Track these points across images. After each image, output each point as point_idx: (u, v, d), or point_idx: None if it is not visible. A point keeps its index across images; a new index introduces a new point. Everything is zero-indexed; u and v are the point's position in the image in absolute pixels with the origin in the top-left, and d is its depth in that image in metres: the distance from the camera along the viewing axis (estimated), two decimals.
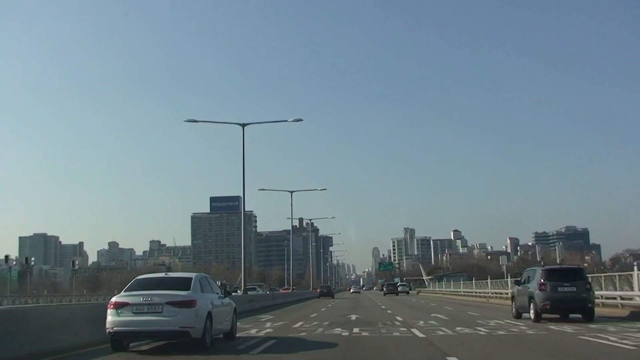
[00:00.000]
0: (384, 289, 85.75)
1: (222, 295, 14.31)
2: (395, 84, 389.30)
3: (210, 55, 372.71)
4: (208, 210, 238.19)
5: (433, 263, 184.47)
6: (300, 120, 43.43)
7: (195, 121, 41.81)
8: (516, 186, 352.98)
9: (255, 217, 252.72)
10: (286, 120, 44.15)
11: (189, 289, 12.33)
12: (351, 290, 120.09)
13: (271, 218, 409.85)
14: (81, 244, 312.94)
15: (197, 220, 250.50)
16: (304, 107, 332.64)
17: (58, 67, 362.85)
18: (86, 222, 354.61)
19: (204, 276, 13.82)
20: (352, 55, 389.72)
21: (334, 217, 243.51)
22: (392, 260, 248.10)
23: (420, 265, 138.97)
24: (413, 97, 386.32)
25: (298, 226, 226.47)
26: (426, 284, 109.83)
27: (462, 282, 63.67)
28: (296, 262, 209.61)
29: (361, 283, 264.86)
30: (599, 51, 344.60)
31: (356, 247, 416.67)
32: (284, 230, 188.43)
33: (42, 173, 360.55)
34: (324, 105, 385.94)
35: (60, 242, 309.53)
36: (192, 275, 13.34)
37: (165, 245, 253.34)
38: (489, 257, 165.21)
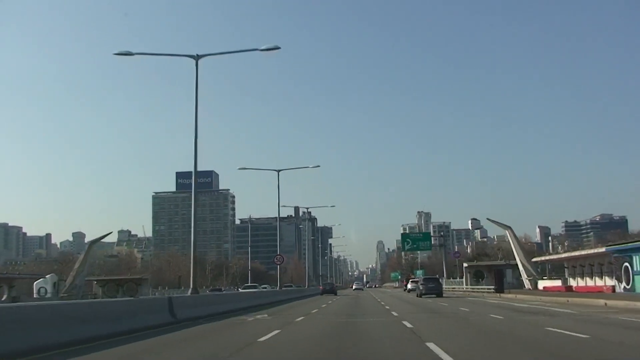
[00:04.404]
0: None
1: None
2: (408, 52, 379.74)
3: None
4: (174, 189, 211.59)
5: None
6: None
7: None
8: (540, 172, 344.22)
9: (233, 197, 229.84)
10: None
11: None
12: (353, 287, 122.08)
13: (266, 206, 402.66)
14: (48, 235, 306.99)
15: (159, 201, 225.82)
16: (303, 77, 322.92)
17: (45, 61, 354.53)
18: (53, 213, 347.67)
19: None
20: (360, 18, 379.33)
21: (333, 206, 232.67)
22: (400, 252, 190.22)
23: (508, 233, 68.46)
24: (430, 68, 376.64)
25: (294, 215, 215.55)
26: (525, 278, 61.12)
27: None
28: (287, 254, 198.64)
29: (364, 280, 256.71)
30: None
31: (359, 242, 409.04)
32: (273, 218, 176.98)
33: (5, 163, 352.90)
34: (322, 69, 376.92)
35: (25, 233, 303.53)
36: None
37: (136, 235, 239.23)
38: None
